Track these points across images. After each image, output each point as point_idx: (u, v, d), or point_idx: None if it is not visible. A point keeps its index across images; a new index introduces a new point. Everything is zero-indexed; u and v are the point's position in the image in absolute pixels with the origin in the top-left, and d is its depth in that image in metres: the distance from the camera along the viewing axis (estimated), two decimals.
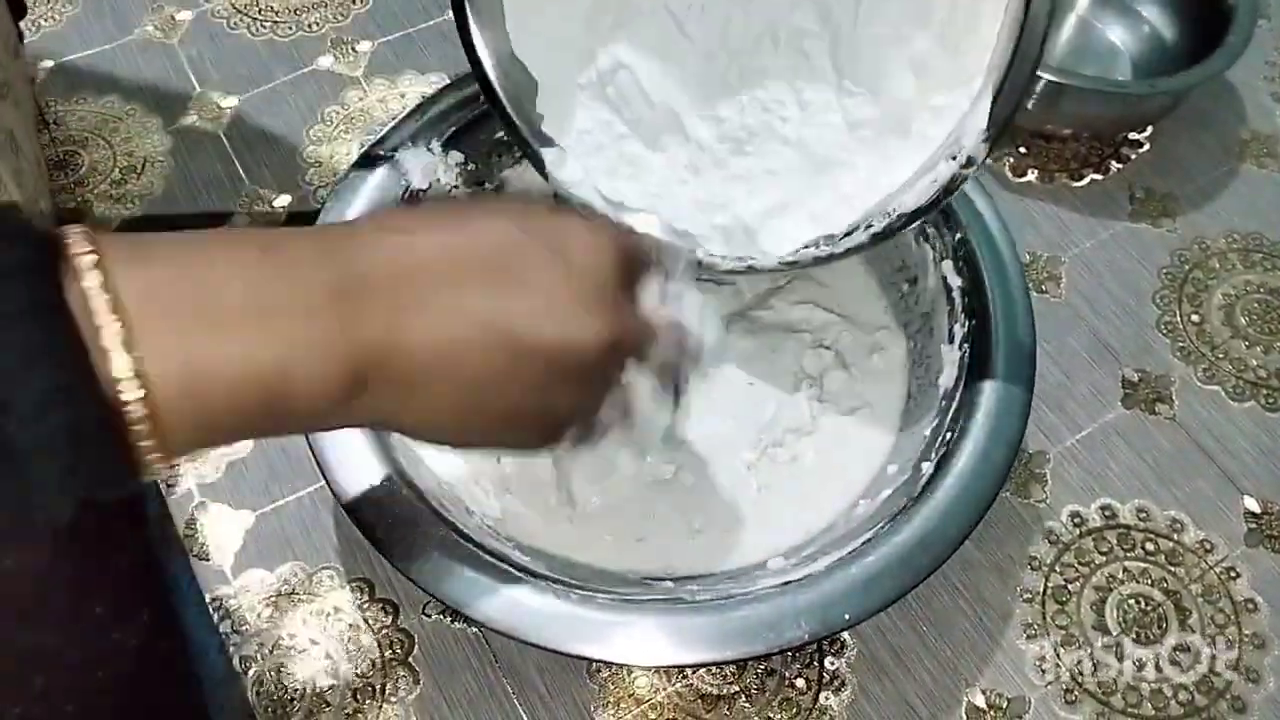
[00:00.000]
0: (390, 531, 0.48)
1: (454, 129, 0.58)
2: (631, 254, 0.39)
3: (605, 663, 0.53)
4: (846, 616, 0.46)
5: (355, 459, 0.50)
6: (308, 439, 0.50)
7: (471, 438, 0.38)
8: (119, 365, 0.28)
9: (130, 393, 0.28)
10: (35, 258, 0.28)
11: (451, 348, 0.34)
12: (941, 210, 0.55)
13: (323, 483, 0.57)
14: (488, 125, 0.59)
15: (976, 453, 0.50)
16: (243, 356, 0.30)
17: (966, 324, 0.55)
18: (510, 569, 0.47)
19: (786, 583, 0.47)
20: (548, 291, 0.36)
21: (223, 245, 0.32)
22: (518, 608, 0.46)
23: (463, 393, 0.35)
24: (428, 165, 0.57)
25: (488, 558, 0.47)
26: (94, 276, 0.28)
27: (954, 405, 0.52)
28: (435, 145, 0.58)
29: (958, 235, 0.57)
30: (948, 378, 0.54)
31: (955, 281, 0.56)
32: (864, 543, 0.48)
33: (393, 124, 0.59)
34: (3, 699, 0.42)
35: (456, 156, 0.58)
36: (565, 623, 0.46)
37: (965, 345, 0.54)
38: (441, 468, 0.53)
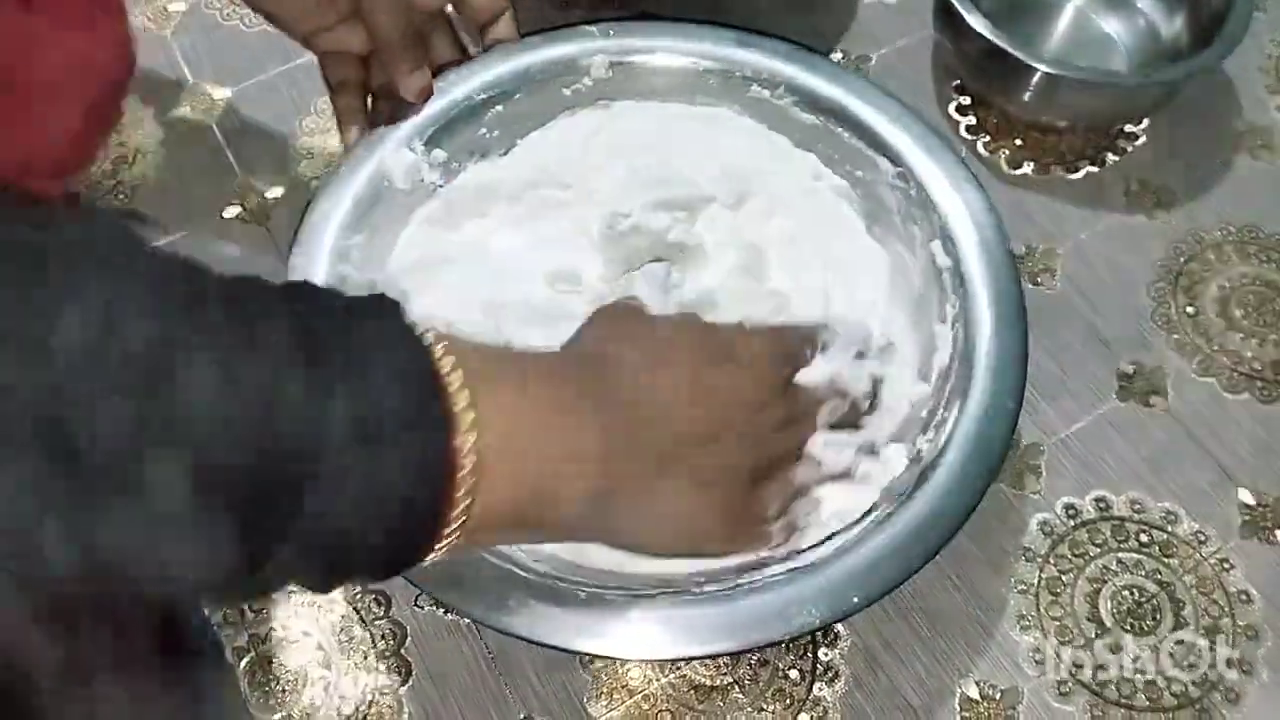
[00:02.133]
0: None
1: (435, 128, 0.58)
2: (789, 343, 0.47)
3: (621, 659, 0.53)
4: (855, 599, 0.46)
5: None
6: None
7: (693, 524, 0.43)
8: (467, 436, 0.32)
9: (467, 461, 0.32)
10: (400, 326, 0.33)
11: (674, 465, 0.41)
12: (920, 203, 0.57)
13: None
14: (471, 122, 0.59)
15: (974, 431, 0.50)
16: (531, 473, 0.36)
17: (957, 303, 0.55)
18: (514, 569, 0.47)
19: (793, 570, 0.47)
20: (744, 401, 0.43)
21: (529, 357, 0.40)
22: (524, 608, 0.46)
23: (685, 494, 0.42)
24: (410, 165, 0.57)
25: (496, 560, 0.47)
26: (449, 361, 0.33)
27: (949, 383, 0.52)
28: (417, 144, 0.58)
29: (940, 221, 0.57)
30: (942, 356, 0.54)
31: (945, 262, 0.56)
32: (869, 525, 0.48)
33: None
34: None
35: (439, 155, 0.58)
36: (573, 619, 0.45)
37: (957, 325, 0.54)
38: None
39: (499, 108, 0.60)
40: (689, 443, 0.41)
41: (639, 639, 0.45)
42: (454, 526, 0.33)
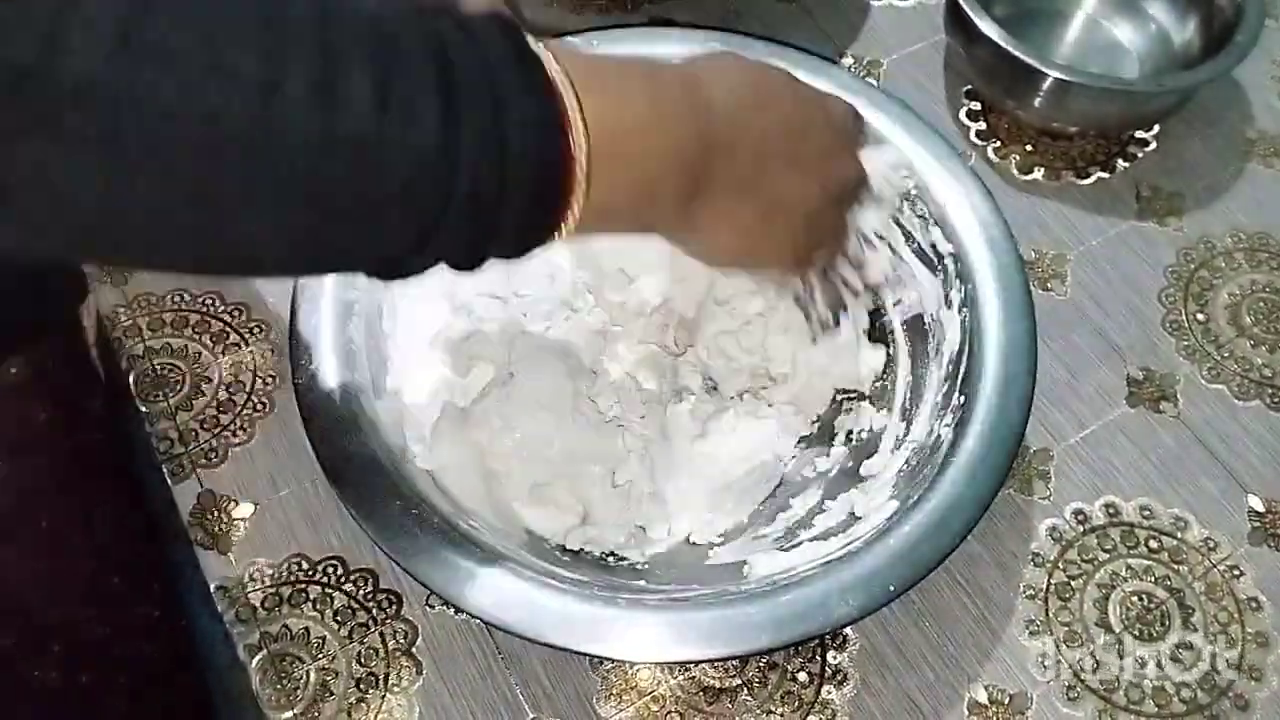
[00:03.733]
0: (393, 532, 0.48)
1: None
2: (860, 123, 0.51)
3: (665, 664, 0.53)
4: (891, 588, 0.47)
5: (355, 457, 0.50)
6: (307, 433, 0.51)
7: (758, 240, 0.46)
8: (577, 125, 0.36)
9: (580, 144, 0.36)
10: (511, 27, 0.36)
11: (756, 177, 0.44)
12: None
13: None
14: None
15: (993, 415, 0.51)
16: (646, 144, 0.39)
17: (963, 289, 0.56)
18: (526, 568, 0.48)
19: (828, 562, 0.48)
20: (829, 146, 0.47)
21: (626, 63, 0.42)
22: (546, 611, 0.47)
23: (763, 198, 0.44)
24: None
25: (499, 556, 0.48)
26: (556, 66, 0.36)
27: (962, 370, 0.54)
28: None
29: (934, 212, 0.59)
30: (952, 343, 0.55)
31: (946, 248, 0.57)
32: (893, 515, 0.49)
33: None
34: (25, 664, 0.43)
35: None
36: (609, 623, 0.46)
37: (965, 309, 0.55)
38: (436, 459, 0.54)
39: None
40: (771, 167, 0.44)
41: (693, 638, 0.46)
42: (575, 210, 0.37)
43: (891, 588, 0.47)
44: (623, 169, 0.38)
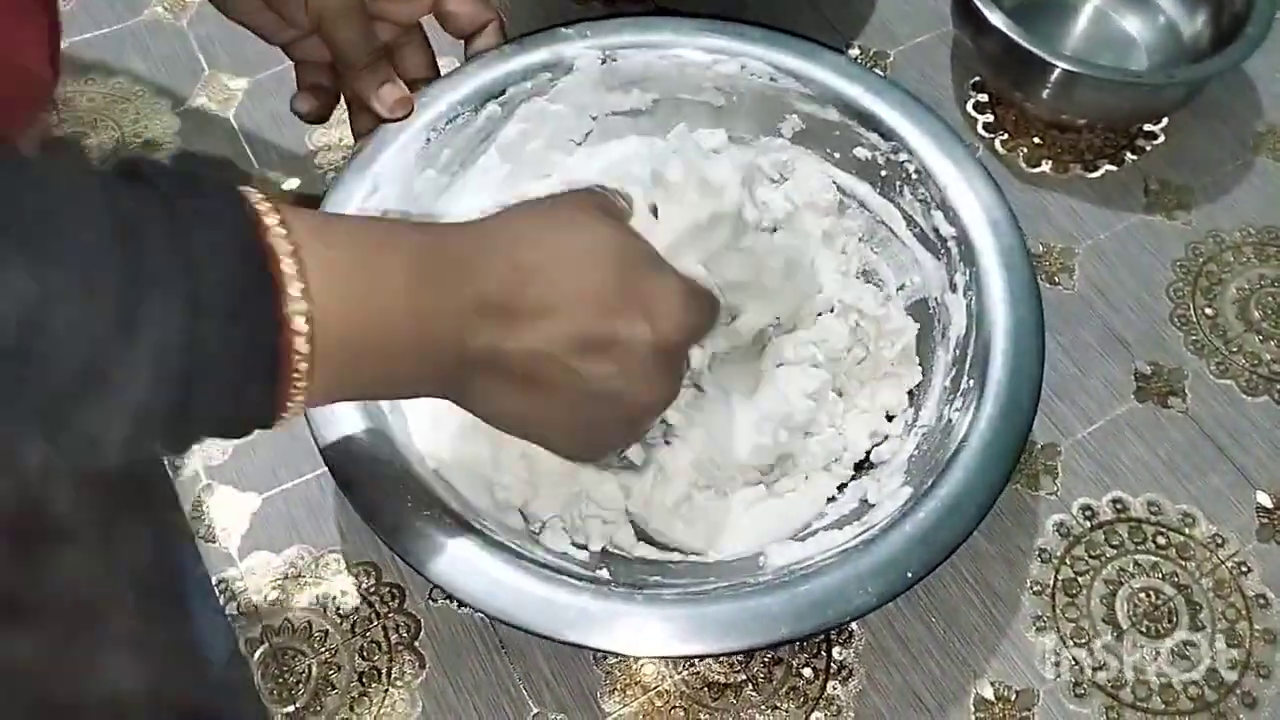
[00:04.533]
0: (396, 525, 0.48)
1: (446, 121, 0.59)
2: (704, 312, 0.47)
3: (684, 657, 0.53)
4: (910, 574, 0.47)
5: (359, 451, 0.50)
6: (309, 425, 0.50)
7: (536, 423, 0.43)
8: (296, 304, 0.32)
9: (300, 328, 0.33)
10: (232, 200, 0.33)
11: (547, 367, 0.40)
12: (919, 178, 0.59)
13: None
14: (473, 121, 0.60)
15: (1002, 397, 0.51)
16: (387, 325, 0.36)
17: (967, 273, 0.56)
18: (541, 565, 0.48)
19: (844, 551, 0.48)
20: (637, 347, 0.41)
21: (389, 234, 0.39)
22: (562, 607, 0.46)
23: (548, 407, 0.41)
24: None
25: (510, 550, 0.48)
26: (279, 232, 0.33)
27: (969, 354, 0.53)
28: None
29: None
30: (958, 326, 0.55)
31: (949, 231, 0.57)
32: (908, 502, 0.49)
33: None
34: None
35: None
36: (625, 619, 0.46)
37: (970, 293, 0.55)
38: (438, 452, 0.53)
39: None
40: (572, 345, 0.40)
41: (696, 632, 0.46)
42: (299, 388, 0.34)
43: (910, 574, 0.47)
44: (364, 357, 0.36)
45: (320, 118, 0.60)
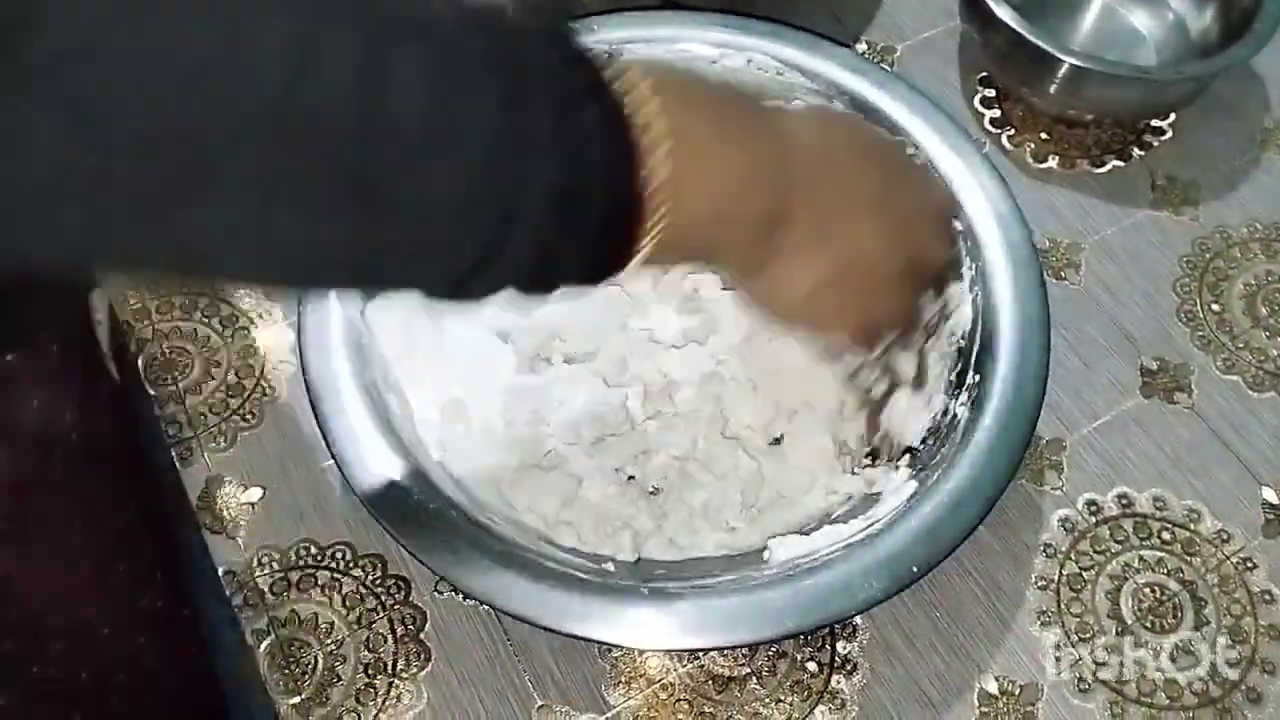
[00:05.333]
0: (407, 520, 0.48)
1: None
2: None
3: (689, 650, 0.53)
4: (915, 568, 0.47)
5: (366, 445, 0.50)
6: (317, 419, 0.51)
7: (827, 295, 0.43)
8: (657, 146, 0.33)
9: (658, 175, 0.33)
10: (589, 55, 0.34)
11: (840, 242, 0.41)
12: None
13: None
14: None
15: (1008, 392, 0.51)
16: (726, 164, 0.37)
17: (973, 266, 0.56)
18: (548, 560, 0.48)
19: (849, 544, 0.48)
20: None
21: (731, 99, 0.40)
22: (569, 602, 0.47)
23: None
24: None
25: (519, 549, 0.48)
26: (639, 80, 0.33)
27: (975, 348, 0.54)
28: None
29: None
30: (964, 319, 0.55)
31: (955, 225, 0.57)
32: (913, 495, 0.50)
33: None
34: (26, 663, 0.43)
35: None
36: (632, 613, 0.47)
37: (975, 287, 0.55)
38: (452, 460, 0.54)
39: None
40: (855, 216, 0.42)
41: (700, 626, 0.46)
42: (649, 237, 0.35)
43: (915, 568, 0.47)
44: (702, 187, 0.36)
45: None
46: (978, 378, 0.52)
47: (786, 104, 0.45)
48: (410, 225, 0.30)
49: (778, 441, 0.57)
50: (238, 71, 0.25)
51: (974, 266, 0.55)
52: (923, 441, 0.54)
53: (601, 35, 0.61)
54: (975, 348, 0.54)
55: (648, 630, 0.46)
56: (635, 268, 0.35)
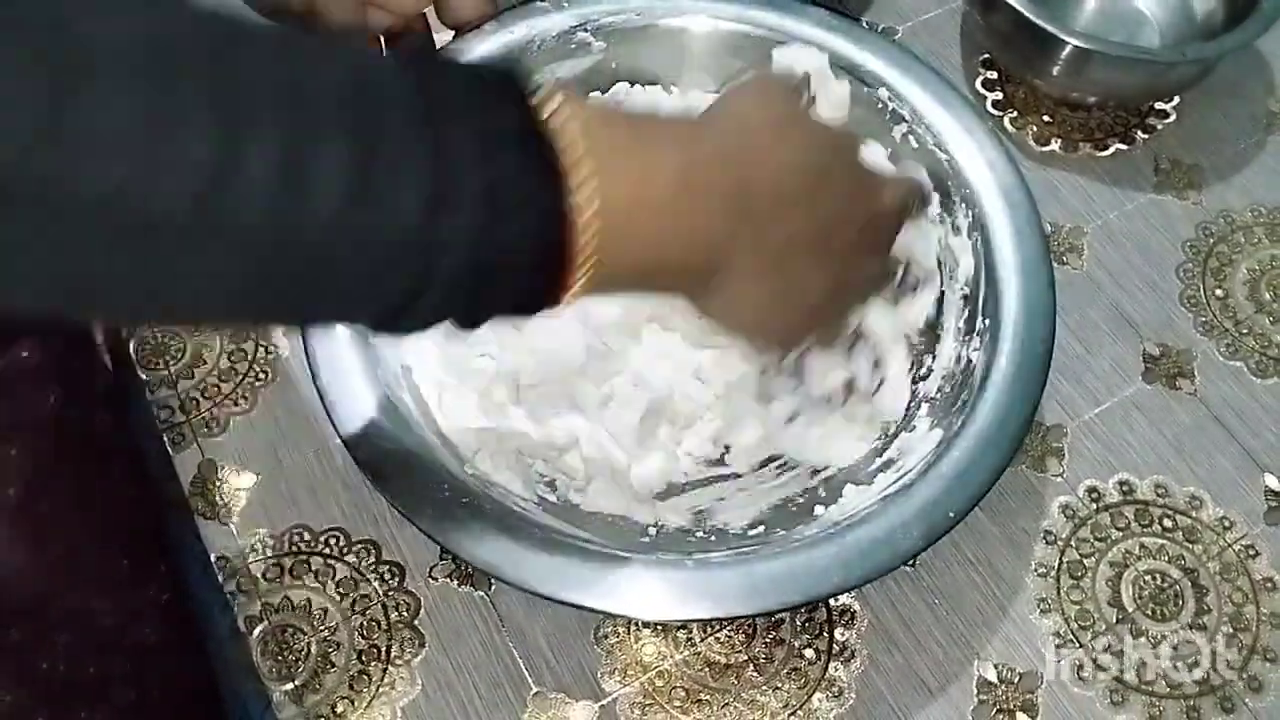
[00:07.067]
0: (402, 486, 0.48)
1: None
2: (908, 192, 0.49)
3: (756, 615, 0.53)
4: (951, 514, 0.47)
5: (363, 414, 0.50)
6: (320, 393, 0.50)
7: (764, 318, 0.44)
8: (584, 191, 0.33)
9: (588, 228, 0.33)
10: (520, 92, 0.34)
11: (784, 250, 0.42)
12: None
13: (328, 443, 0.57)
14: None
15: (1020, 331, 0.52)
16: (662, 225, 0.37)
17: (970, 213, 0.57)
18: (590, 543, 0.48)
19: (885, 497, 0.49)
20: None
21: (658, 126, 0.41)
22: (625, 584, 0.46)
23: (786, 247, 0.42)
24: None
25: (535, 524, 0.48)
26: (566, 118, 0.33)
27: (981, 293, 0.54)
28: None
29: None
30: (966, 268, 0.56)
31: (946, 172, 0.58)
32: (940, 443, 0.50)
33: None
34: (31, 656, 0.43)
35: None
36: (695, 577, 0.47)
37: (974, 234, 0.56)
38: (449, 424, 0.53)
39: None
40: (798, 259, 0.42)
41: (775, 585, 0.46)
42: (580, 275, 0.35)
43: (951, 514, 0.47)
44: (636, 249, 0.36)
45: None
46: (988, 321, 0.53)
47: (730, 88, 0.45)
48: (324, 302, 0.33)
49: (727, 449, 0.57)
50: (164, 186, 0.26)
51: (970, 214, 0.56)
52: (939, 391, 0.54)
53: (575, 11, 0.61)
54: (981, 293, 0.54)
55: (701, 601, 0.46)
56: (572, 302, 0.36)
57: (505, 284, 0.34)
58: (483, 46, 0.59)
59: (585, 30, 0.61)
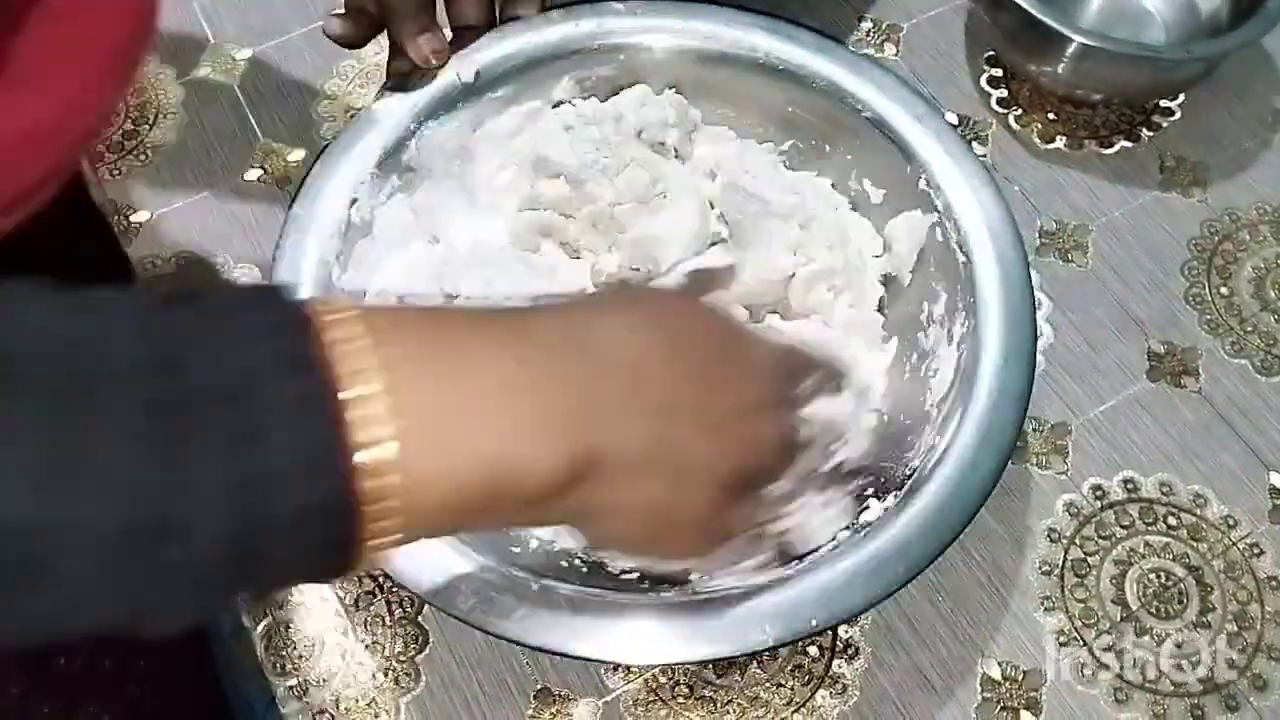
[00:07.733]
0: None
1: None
2: (803, 365, 0.43)
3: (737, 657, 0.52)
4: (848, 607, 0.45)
5: None
6: None
7: (663, 524, 0.38)
8: (380, 439, 0.28)
9: (383, 471, 0.28)
10: (293, 318, 0.28)
11: (659, 448, 0.36)
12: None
13: None
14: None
15: (1001, 329, 0.50)
16: (483, 447, 0.31)
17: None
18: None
19: (865, 526, 0.47)
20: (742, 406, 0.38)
21: (476, 329, 0.34)
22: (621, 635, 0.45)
23: (662, 487, 0.36)
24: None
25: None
26: (354, 345, 0.28)
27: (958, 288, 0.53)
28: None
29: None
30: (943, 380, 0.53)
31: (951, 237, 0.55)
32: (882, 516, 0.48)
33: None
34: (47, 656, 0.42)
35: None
36: (664, 619, 0.44)
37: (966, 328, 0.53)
38: None
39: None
40: (677, 431, 0.36)
41: (759, 628, 0.44)
42: (383, 539, 0.29)
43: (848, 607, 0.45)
44: (453, 492, 0.30)
45: (351, 44, 0.56)
46: (964, 310, 0.52)
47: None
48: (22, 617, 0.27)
49: None
50: None
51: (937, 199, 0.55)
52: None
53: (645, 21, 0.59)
54: (958, 288, 0.53)
55: (658, 645, 0.44)
56: (374, 562, 0.30)
57: (275, 561, 0.28)
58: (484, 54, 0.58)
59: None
